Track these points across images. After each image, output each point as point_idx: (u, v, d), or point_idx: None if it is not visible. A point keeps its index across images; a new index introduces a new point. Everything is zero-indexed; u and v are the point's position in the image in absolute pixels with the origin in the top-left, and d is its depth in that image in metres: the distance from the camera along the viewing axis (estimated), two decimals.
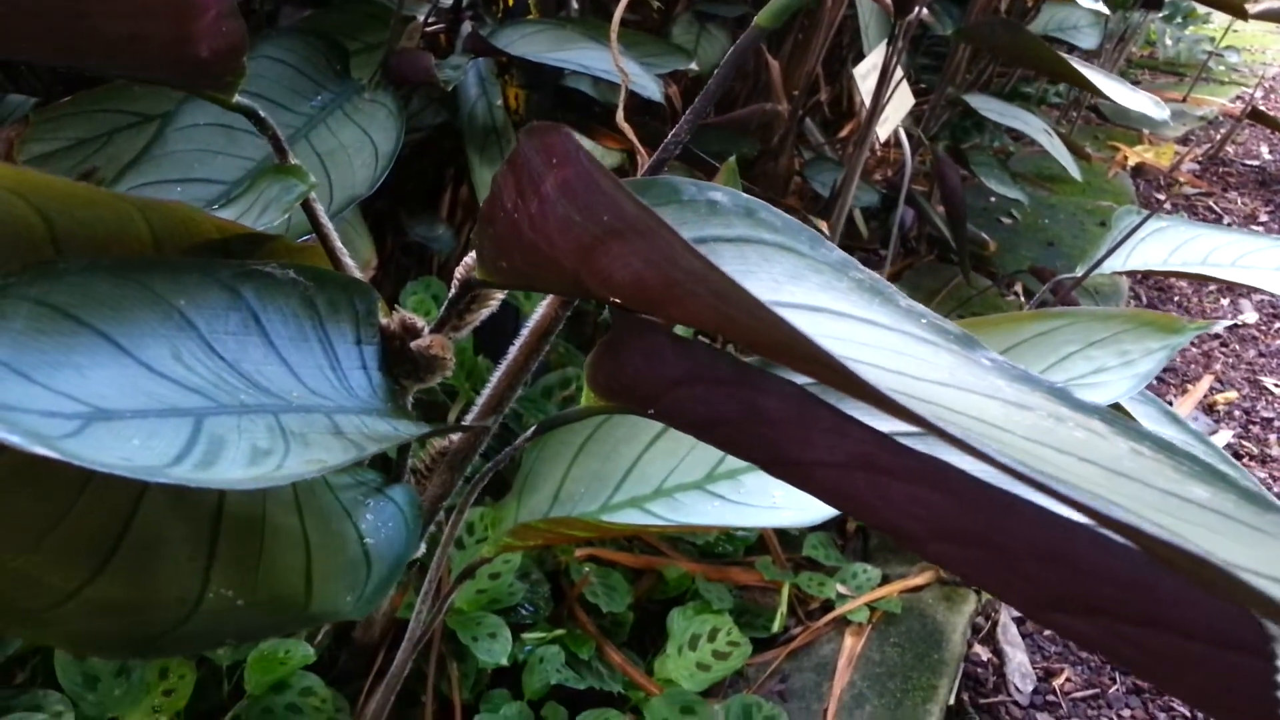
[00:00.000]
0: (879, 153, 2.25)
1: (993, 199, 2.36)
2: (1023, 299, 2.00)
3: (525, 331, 0.55)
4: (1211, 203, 2.54)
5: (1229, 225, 2.48)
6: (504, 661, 0.92)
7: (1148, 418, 0.85)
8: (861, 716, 1.14)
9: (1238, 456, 1.59)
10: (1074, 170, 1.82)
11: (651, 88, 1.05)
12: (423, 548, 0.74)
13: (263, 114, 0.46)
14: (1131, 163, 2.62)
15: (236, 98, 0.43)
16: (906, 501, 0.29)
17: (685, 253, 0.27)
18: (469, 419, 0.62)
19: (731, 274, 0.38)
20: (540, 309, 0.57)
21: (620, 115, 1.06)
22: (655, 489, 0.69)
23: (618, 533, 0.89)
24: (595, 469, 0.71)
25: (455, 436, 0.64)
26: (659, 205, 0.45)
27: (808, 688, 1.17)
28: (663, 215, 0.45)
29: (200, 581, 0.38)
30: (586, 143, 1.29)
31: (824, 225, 1.34)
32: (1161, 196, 2.56)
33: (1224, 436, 1.63)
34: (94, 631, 0.35)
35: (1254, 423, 1.68)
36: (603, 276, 0.32)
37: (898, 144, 1.84)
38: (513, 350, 0.57)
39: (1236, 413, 1.71)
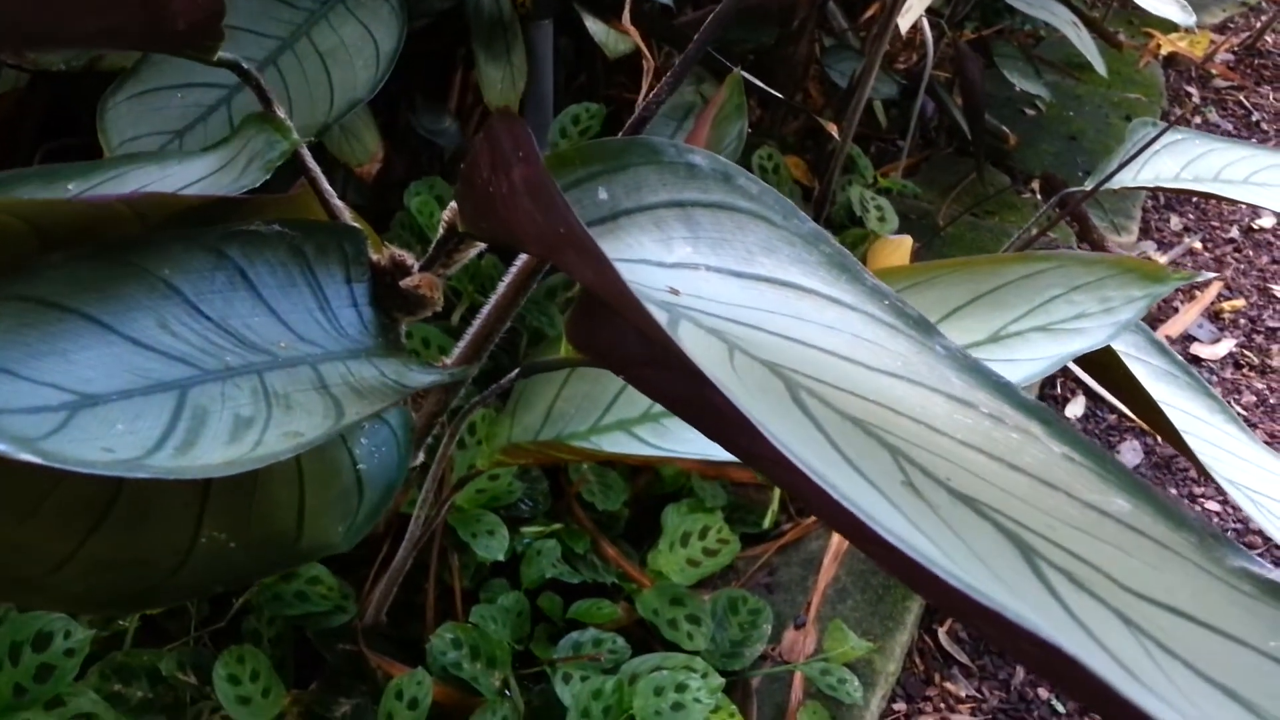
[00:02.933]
0: (903, 36, 2.18)
1: (1017, 89, 2.30)
2: (1039, 197, 1.97)
3: (514, 270, 0.56)
4: (1242, 97, 2.47)
5: (1257, 121, 2.42)
6: (501, 557, 0.96)
7: (1135, 346, 0.86)
8: (844, 609, 1.19)
9: (1238, 366, 1.60)
10: (1100, 66, 1.77)
11: None
12: (421, 456, 0.76)
13: (245, 65, 0.46)
14: (1164, 51, 2.53)
15: (219, 54, 0.43)
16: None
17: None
18: (460, 347, 0.63)
19: (707, 241, 0.39)
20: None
21: (626, 17, 1.04)
22: (643, 413, 0.71)
23: (604, 459, 0.91)
24: (586, 390, 0.74)
25: (448, 361, 0.66)
26: (639, 166, 0.46)
27: (794, 581, 1.22)
28: (643, 177, 0.45)
29: (193, 527, 0.41)
30: (598, 27, 1.26)
31: (833, 128, 1.32)
32: (1191, 90, 2.49)
33: (1226, 345, 1.63)
34: (90, 591, 0.37)
35: (1258, 331, 1.68)
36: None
37: (921, 32, 1.78)
38: (501, 286, 0.58)
39: (1242, 321, 1.71)
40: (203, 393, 0.35)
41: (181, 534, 0.41)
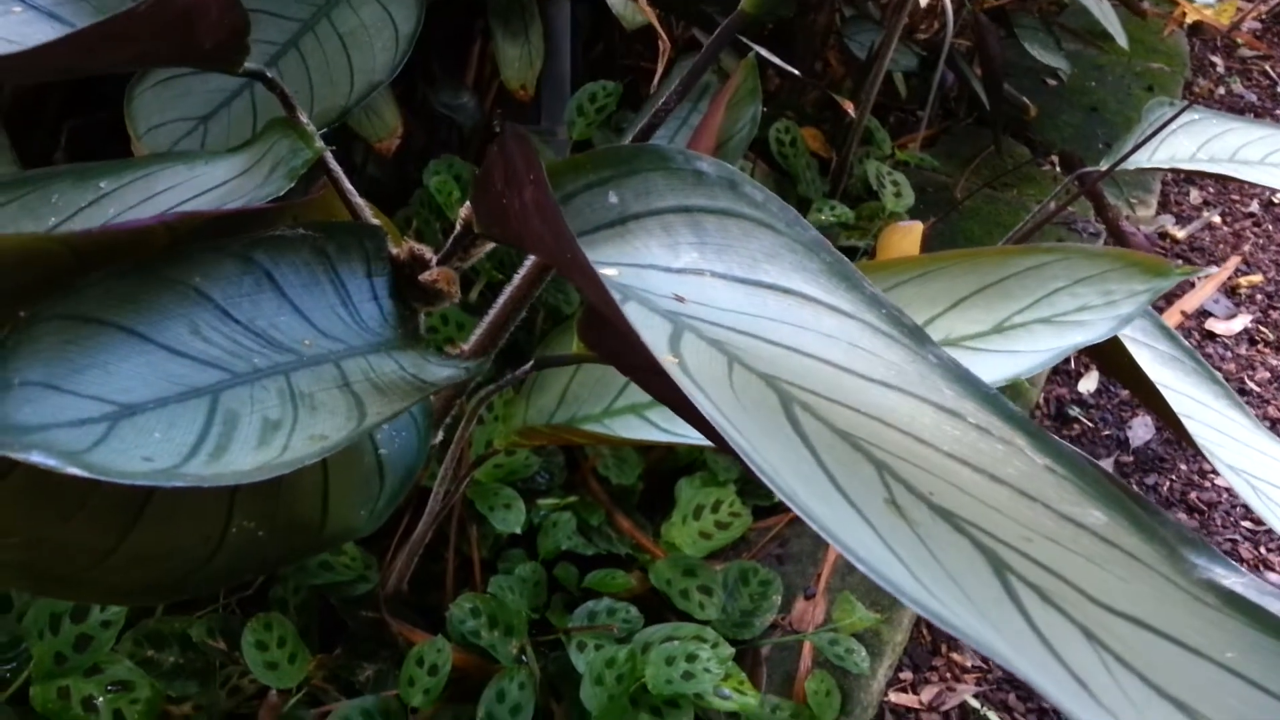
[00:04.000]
0: (923, 6, 2.16)
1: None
2: (1058, 170, 1.97)
3: (529, 262, 0.58)
4: (1268, 67, 2.44)
5: (1276, 94, 2.39)
6: (518, 530, 0.99)
7: (1142, 330, 0.87)
8: (853, 581, 1.21)
9: (1253, 343, 1.60)
10: (1121, 38, 1.75)
11: None
12: (440, 434, 0.79)
13: (269, 74, 0.48)
14: (1189, 19, 2.50)
15: (246, 64, 0.45)
16: None
17: (622, 320, 0.30)
18: (477, 333, 0.65)
19: (713, 247, 0.41)
20: None
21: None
22: (654, 398, 0.73)
23: (616, 443, 0.93)
24: (599, 374, 0.76)
25: (466, 347, 0.68)
26: (648, 172, 0.47)
27: (804, 552, 1.25)
28: (651, 183, 0.47)
29: (224, 518, 0.43)
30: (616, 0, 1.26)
31: (849, 106, 1.32)
32: (1216, 59, 2.46)
33: (1241, 321, 1.63)
34: (130, 583, 0.40)
35: (1275, 308, 1.68)
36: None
37: (941, 2, 1.77)
38: (517, 278, 0.60)
39: (1259, 296, 1.70)
40: (233, 396, 0.37)
41: (213, 525, 0.43)
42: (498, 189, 0.41)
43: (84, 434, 0.30)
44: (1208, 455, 0.74)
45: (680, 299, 0.42)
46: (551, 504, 1.09)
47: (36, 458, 0.28)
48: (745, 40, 1.34)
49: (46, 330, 0.33)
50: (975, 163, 1.92)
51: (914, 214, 1.59)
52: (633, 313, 0.38)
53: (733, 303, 0.42)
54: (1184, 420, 0.78)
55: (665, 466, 1.24)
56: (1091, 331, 0.63)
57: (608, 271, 0.44)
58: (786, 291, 0.42)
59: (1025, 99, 2.10)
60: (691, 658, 0.91)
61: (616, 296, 0.39)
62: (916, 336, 0.40)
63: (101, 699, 0.65)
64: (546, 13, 1.23)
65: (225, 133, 0.80)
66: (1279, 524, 0.69)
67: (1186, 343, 0.86)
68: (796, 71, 1.23)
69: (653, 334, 0.36)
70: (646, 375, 0.38)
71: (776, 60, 1.34)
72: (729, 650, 0.95)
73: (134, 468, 0.30)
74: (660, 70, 1.06)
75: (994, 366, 0.64)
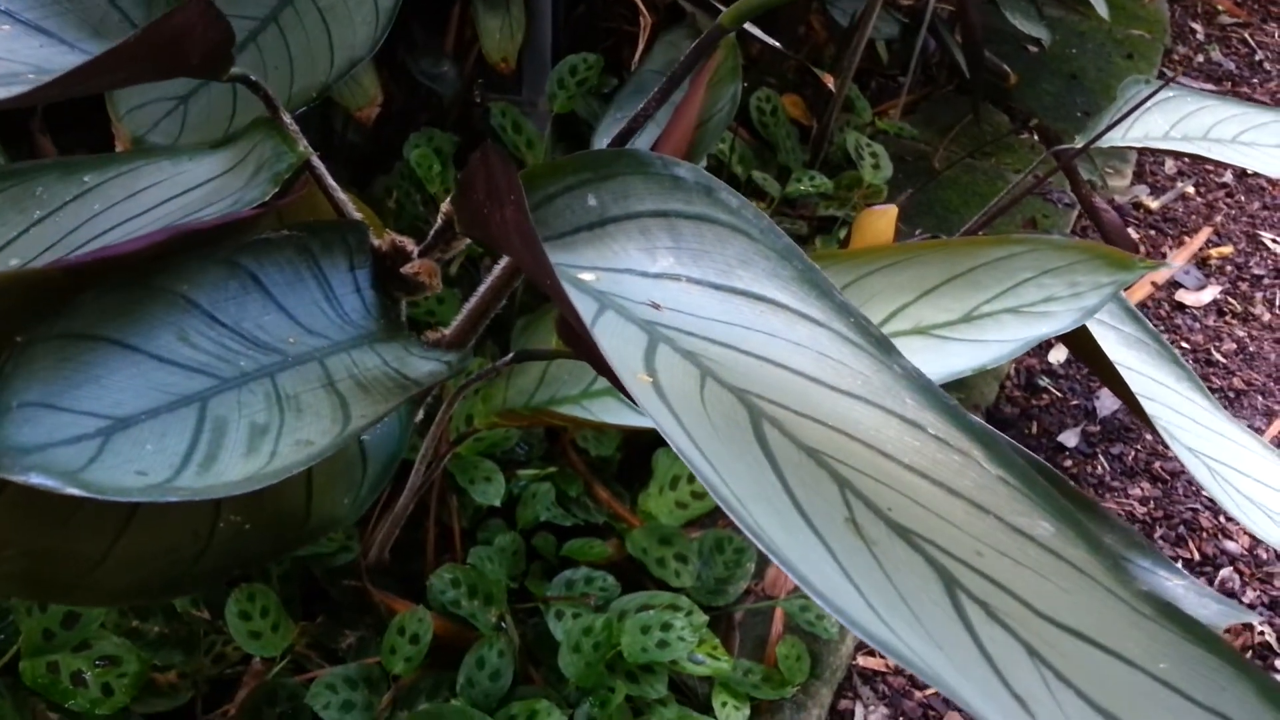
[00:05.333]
0: None
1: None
2: (1036, 139, 1.98)
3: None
4: (1247, 35, 2.45)
5: (1260, 61, 2.41)
6: (497, 503, 1.01)
7: (1108, 312, 0.89)
8: None
9: (1220, 314, 1.63)
10: (1101, 7, 1.76)
11: None
12: (421, 413, 0.80)
13: (254, 78, 0.48)
14: None
15: (235, 70, 0.45)
16: None
17: (592, 345, 0.31)
18: (458, 320, 0.66)
19: (689, 252, 0.43)
20: None
21: None
22: None
23: (596, 427, 0.95)
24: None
25: (447, 332, 0.69)
26: (627, 175, 0.49)
27: None
28: (630, 186, 0.48)
29: (213, 513, 0.44)
30: None
31: (829, 79, 1.33)
32: (1196, 26, 2.47)
33: (1211, 292, 1.66)
34: (122, 586, 0.41)
35: (1244, 279, 1.71)
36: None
37: None
38: (497, 269, 0.61)
39: (1229, 268, 1.73)
40: (221, 403, 0.38)
41: (202, 522, 0.44)
42: (479, 198, 0.42)
43: (80, 451, 0.31)
44: (1166, 438, 0.77)
45: (656, 306, 0.43)
46: (531, 475, 1.11)
47: (36, 479, 0.29)
48: (721, 8, 1.33)
49: (43, 351, 0.34)
50: (954, 131, 1.92)
51: (893, 184, 1.60)
52: (609, 324, 0.39)
53: (707, 310, 0.43)
54: (1145, 402, 0.81)
55: (643, 438, 1.26)
56: (1057, 322, 0.64)
57: (586, 276, 0.45)
58: (759, 298, 0.44)
59: (1006, 66, 2.11)
60: (666, 626, 0.93)
61: (594, 306, 0.40)
62: (883, 346, 0.41)
63: (90, 673, 0.67)
64: None
65: (205, 112, 0.80)
66: (1233, 506, 0.72)
67: (1152, 325, 0.89)
68: (778, 44, 1.23)
69: (628, 347, 0.37)
70: (614, 380, 0.40)
71: (759, 33, 1.34)
72: (703, 618, 0.98)
73: (129, 483, 0.31)
74: (641, 45, 1.07)
75: (963, 355, 0.66)
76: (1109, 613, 0.30)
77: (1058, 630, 0.29)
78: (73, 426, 0.32)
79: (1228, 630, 1.16)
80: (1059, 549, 0.33)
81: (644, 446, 1.24)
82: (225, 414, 0.38)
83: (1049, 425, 1.42)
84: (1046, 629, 0.29)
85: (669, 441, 0.30)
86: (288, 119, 0.50)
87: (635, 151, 0.48)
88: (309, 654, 0.95)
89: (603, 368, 0.36)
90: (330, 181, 0.53)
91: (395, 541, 1.03)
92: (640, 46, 1.06)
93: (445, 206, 0.55)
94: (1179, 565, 1.28)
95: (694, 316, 0.43)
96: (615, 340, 0.38)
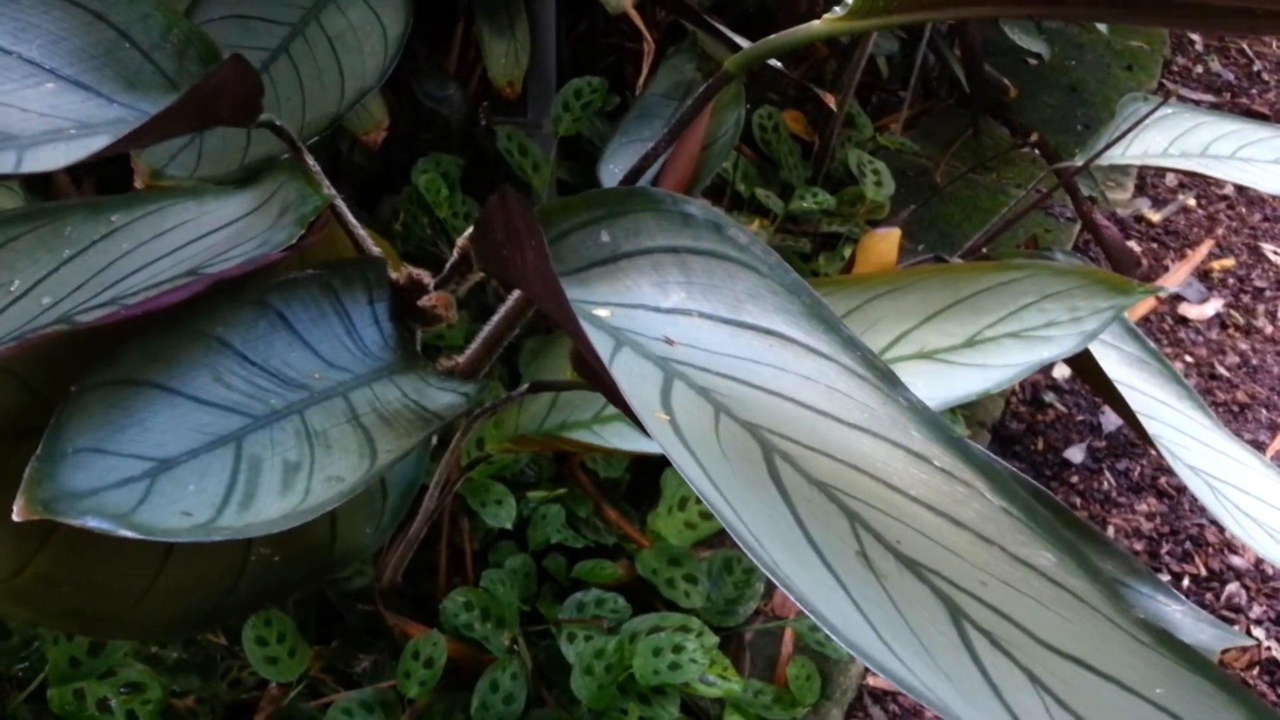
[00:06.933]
0: None
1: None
2: (1037, 153, 1.99)
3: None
4: (1245, 45, 2.47)
5: (1259, 71, 2.43)
6: (509, 526, 1.02)
7: (1110, 332, 0.90)
8: None
9: (1223, 327, 1.64)
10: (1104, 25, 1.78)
11: None
12: (434, 439, 0.82)
13: (279, 123, 0.50)
14: None
15: (265, 117, 0.47)
16: None
17: (611, 385, 0.33)
18: (471, 348, 0.68)
19: (700, 287, 0.44)
20: None
21: (629, 2, 1.07)
22: None
23: (608, 453, 0.96)
24: None
25: (460, 359, 0.70)
26: (639, 212, 0.50)
27: None
28: (642, 223, 0.50)
29: (245, 547, 0.46)
30: None
31: (830, 99, 1.35)
32: (1195, 37, 2.48)
33: (1214, 305, 1.68)
34: (164, 619, 0.43)
35: (1245, 292, 1.72)
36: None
37: None
38: (511, 299, 0.63)
39: (1231, 280, 1.74)
40: (255, 441, 0.40)
41: (235, 555, 0.46)
42: (498, 239, 0.43)
43: (129, 494, 0.33)
44: (1168, 457, 0.78)
45: (670, 341, 0.45)
46: (541, 496, 1.12)
47: (92, 523, 0.30)
48: (726, 31, 1.36)
49: (92, 398, 0.35)
50: (955, 145, 1.94)
51: (894, 200, 1.61)
52: (626, 362, 0.41)
53: (718, 344, 0.45)
54: (1147, 421, 0.82)
55: (651, 458, 1.27)
56: (1059, 347, 0.66)
57: (601, 312, 0.47)
58: (768, 333, 0.45)
59: (1005, 80, 2.13)
60: (678, 649, 0.95)
61: (610, 343, 0.42)
62: (889, 380, 0.43)
63: (115, 700, 0.68)
64: (532, 8, 1.24)
65: (220, 145, 0.81)
66: (1235, 525, 0.73)
67: (1155, 340, 0.90)
68: (779, 64, 1.25)
69: (645, 385, 0.39)
70: (630, 415, 0.41)
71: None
72: (714, 639, 0.99)
73: (175, 524, 0.33)
74: (645, 70, 1.08)
75: (966, 380, 0.67)
76: (1108, 640, 0.32)
77: (1059, 658, 0.31)
78: (121, 469, 0.34)
79: (1234, 649, 1.17)
80: (1060, 578, 0.34)
81: (652, 467, 1.25)
82: (259, 452, 0.39)
83: (1055, 441, 1.44)
84: (1048, 657, 0.30)
85: (688, 481, 0.32)
86: (310, 161, 0.52)
87: (646, 189, 0.49)
88: (324, 678, 0.96)
89: (621, 405, 0.38)
90: (351, 219, 0.55)
91: (408, 564, 1.04)
92: (644, 71, 1.08)
93: (461, 242, 0.57)
94: (1185, 581, 1.29)
95: (706, 351, 0.44)
96: (632, 379, 0.39)
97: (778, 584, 0.28)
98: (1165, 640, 0.32)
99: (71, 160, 0.39)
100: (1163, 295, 1.65)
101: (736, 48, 1.11)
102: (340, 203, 0.53)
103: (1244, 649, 1.22)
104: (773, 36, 0.47)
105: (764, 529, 0.30)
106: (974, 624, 0.30)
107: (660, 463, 1.27)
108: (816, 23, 0.43)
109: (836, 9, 0.43)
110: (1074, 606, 0.33)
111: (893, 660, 0.27)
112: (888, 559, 0.32)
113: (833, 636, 0.27)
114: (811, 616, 0.28)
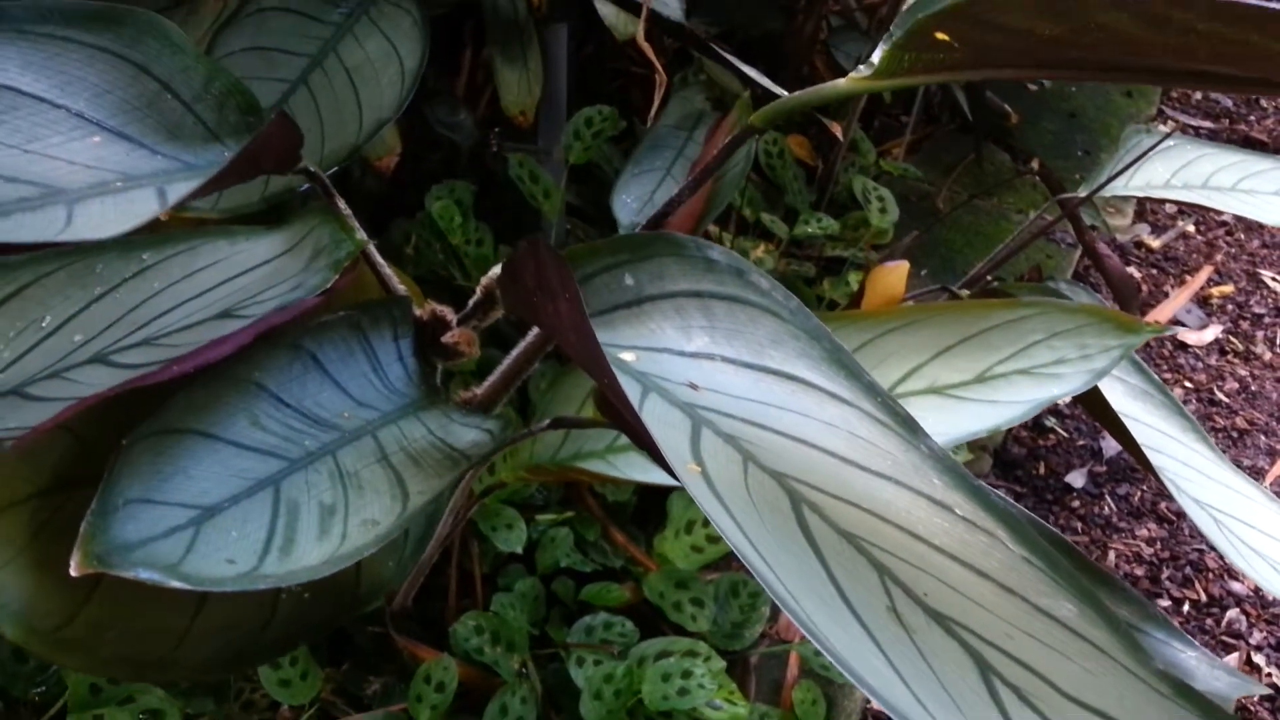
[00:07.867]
0: None
1: None
2: (1037, 179, 2.01)
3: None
4: None
5: (1257, 99, 2.45)
6: (519, 550, 1.03)
7: (1119, 369, 0.91)
8: None
9: (1223, 353, 1.66)
10: None
11: (673, 4, 1.06)
12: None
13: (313, 169, 0.51)
14: None
15: (301, 164, 0.48)
16: None
17: (647, 437, 0.34)
18: (491, 380, 0.69)
19: (723, 331, 0.45)
20: None
21: (641, 35, 1.08)
22: None
23: (622, 483, 0.97)
24: None
25: (479, 390, 0.71)
26: (662, 257, 0.51)
27: None
28: (665, 267, 0.51)
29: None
30: (608, 9, 1.28)
31: (837, 128, 1.36)
32: None
33: (1213, 332, 1.69)
34: (203, 660, 0.44)
35: (1244, 318, 1.73)
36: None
37: None
38: (530, 335, 0.64)
39: (1230, 307, 1.76)
40: (291, 485, 0.41)
41: (267, 593, 0.47)
42: (528, 285, 0.44)
43: (176, 543, 0.34)
44: (1171, 489, 0.79)
45: (694, 386, 0.46)
46: (549, 520, 1.13)
47: (144, 575, 0.31)
48: (730, 58, 1.37)
49: (140, 449, 0.36)
50: (957, 170, 1.96)
51: (898, 226, 1.63)
52: (655, 409, 0.42)
53: (742, 389, 0.46)
54: (1151, 453, 0.83)
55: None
56: (1069, 384, 0.67)
57: (626, 356, 0.48)
58: (790, 378, 0.46)
59: (1006, 105, 2.15)
60: (687, 674, 0.95)
61: (638, 389, 0.43)
62: (909, 426, 0.44)
63: None
64: (544, 37, 1.26)
65: None
66: (1237, 558, 0.74)
67: (1155, 367, 0.91)
68: (784, 91, 1.27)
69: (675, 434, 0.40)
70: (658, 459, 0.42)
71: (766, 81, 1.37)
72: (721, 663, 1.00)
73: (222, 573, 0.34)
74: (657, 101, 1.10)
75: (978, 415, 0.68)
76: (1129, 692, 0.33)
77: (1082, 710, 0.32)
78: (168, 518, 0.35)
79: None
80: (1082, 630, 0.35)
81: (659, 490, 1.26)
82: (296, 496, 0.40)
83: (1056, 465, 1.45)
84: (1072, 709, 0.31)
85: (724, 536, 0.33)
86: (342, 204, 0.53)
87: (670, 234, 0.50)
88: (335, 700, 0.97)
89: (655, 456, 0.39)
90: (379, 260, 0.56)
91: (418, 588, 1.05)
92: (655, 103, 1.09)
93: (486, 281, 0.58)
94: (1185, 606, 1.30)
95: (730, 397, 0.45)
96: (662, 426, 0.40)
97: (815, 643, 0.29)
98: (1184, 692, 0.33)
99: (123, 230, 0.40)
100: (1162, 321, 1.66)
101: (744, 77, 1.12)
102: (373, 250, 0.55)
103: (1246, 673, 1.23)
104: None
105: (799, 586, 0.32)
106: (1001, 678, 0.32)
107: (666, 486, 1.28)
108: (842, 81, 0.45)
109: (861, 68, 0.44)
110: (1096, 658, 0.34)
111: (925, 714, 0.28)
112: (917, 613, 0.33)
113: (872, 699, 0.28)
114: (852, 680, 0.29)
